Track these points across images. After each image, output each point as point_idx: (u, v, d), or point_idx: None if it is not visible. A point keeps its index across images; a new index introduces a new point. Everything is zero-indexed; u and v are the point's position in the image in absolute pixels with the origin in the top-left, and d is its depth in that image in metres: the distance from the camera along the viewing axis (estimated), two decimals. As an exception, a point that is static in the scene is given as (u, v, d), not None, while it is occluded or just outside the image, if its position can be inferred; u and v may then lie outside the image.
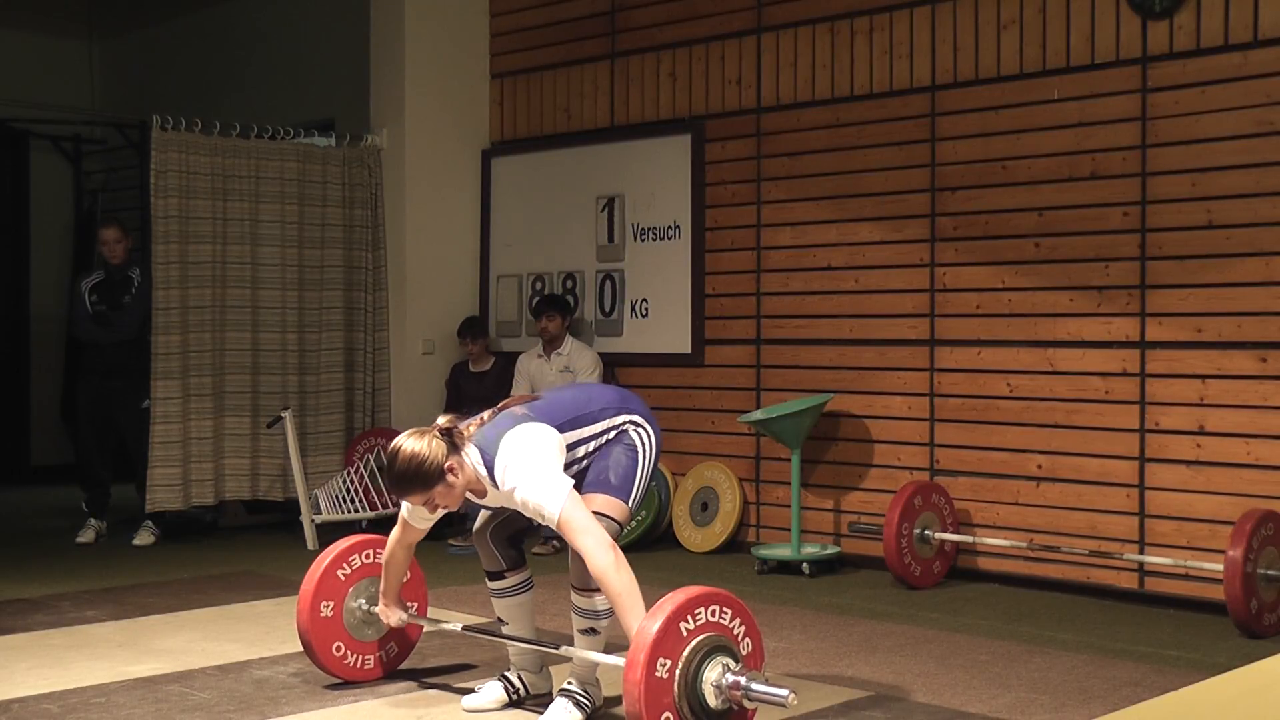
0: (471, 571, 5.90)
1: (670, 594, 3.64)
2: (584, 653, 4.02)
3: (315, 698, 4.33)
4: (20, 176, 10.61)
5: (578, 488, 3.97)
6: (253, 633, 5.24)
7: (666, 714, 3.55)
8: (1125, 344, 5.91)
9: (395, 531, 4.30)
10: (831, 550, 6.66)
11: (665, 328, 7.48)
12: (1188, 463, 5.72)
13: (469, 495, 4.00)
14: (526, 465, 3.83)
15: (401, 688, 4.46)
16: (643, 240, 7.60)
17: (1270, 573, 5.24)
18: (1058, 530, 6.08)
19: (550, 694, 4.31)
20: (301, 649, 4.95)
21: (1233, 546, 5.14)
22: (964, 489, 6.37)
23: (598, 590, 3.95)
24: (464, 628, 4.52)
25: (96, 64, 11.24)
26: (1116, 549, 5.87)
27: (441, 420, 3.96)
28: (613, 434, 4.08)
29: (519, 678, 4.31)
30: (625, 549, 4.18)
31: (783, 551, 6.65)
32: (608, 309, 7.75)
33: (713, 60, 7.33)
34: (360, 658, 4.52)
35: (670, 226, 7.48)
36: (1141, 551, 5.83)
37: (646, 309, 7.53)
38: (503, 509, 4.15)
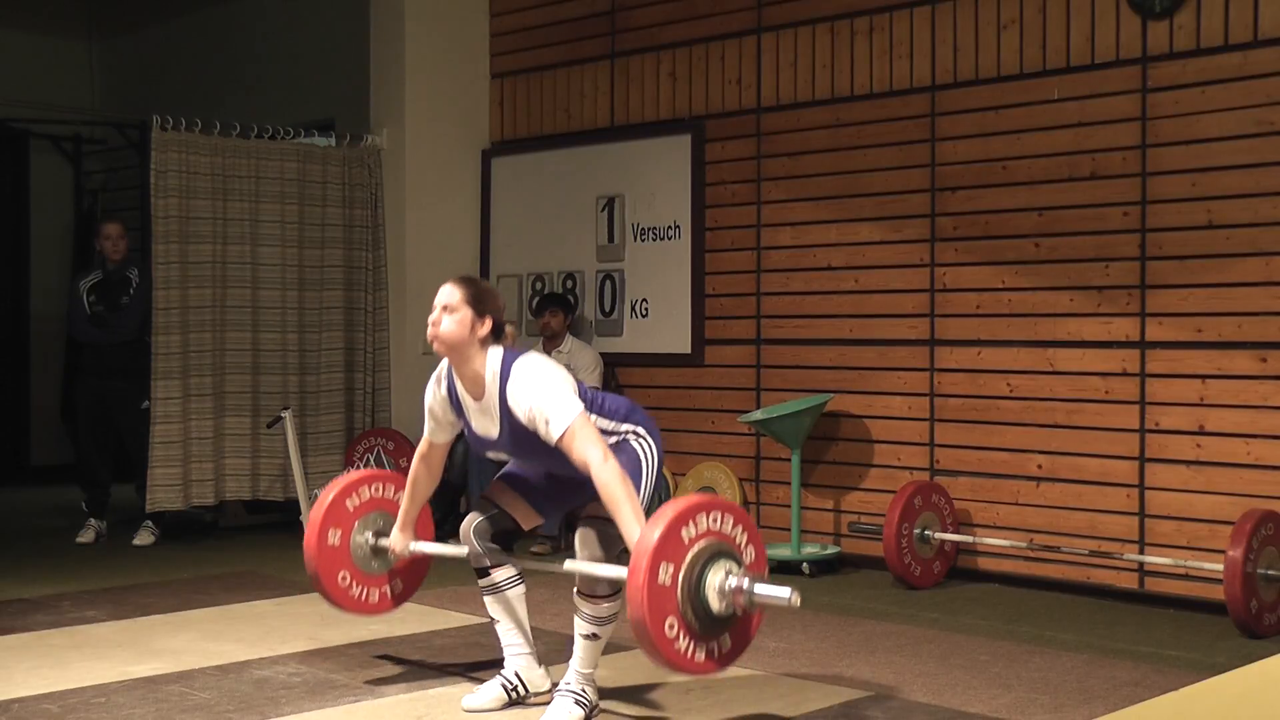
0: (472, 572, 5.89)
1: (671, 501, 3.64)
2: (586, 566, 3.95)
3: (315, 698, 4.33)
4: (20, 176, 10.61)
5: (581, 501, 3.99)
6: (253, 633, 5.24)
7: (670, 619, 3.54)
8: (1125, 344, 5.91)
9: (419, 451, 4.37)
10: (831, 550, 6.66)
11: (665, 328, 7.48)
12: (1188, 463, 5.72)
13: (464, 396, 4.04)
14: (543, 377, 3.92)
15: (401, 688, 4.46)
16: (643, 240, 7.60)
17: (1270, 573, 5.24)
18: (1058, 530, 6.09)
19: (549, 693, 4.33)
20: (303, 648, 4.97)
21: (1233, 546, 5.14)
22: (964, 489, 6.37)
23: (603, 597, 3.97)
24: (470, 559, 4.39)
25: (96, 64, 11.24)
26: (1116, 549, 5.87)
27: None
28: (616, 440, 4.08)
29: (517, 676, 4.31)
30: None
31: (783, 551, 6.65)
32: (608, 309, 7.75)
33: (713, 60, 7.33)
34: (366, 590, 4.52)
35: (670, 226, 7.48)
36: (1141, 551, 5.83)
37: (646, 309, 7.53)
38: (484, 463, 4.18)
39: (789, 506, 6.76)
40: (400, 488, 4.60)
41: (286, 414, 7.40)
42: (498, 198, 8.32)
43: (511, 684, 4.30)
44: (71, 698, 4.31)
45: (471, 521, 4.28)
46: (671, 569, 3.54)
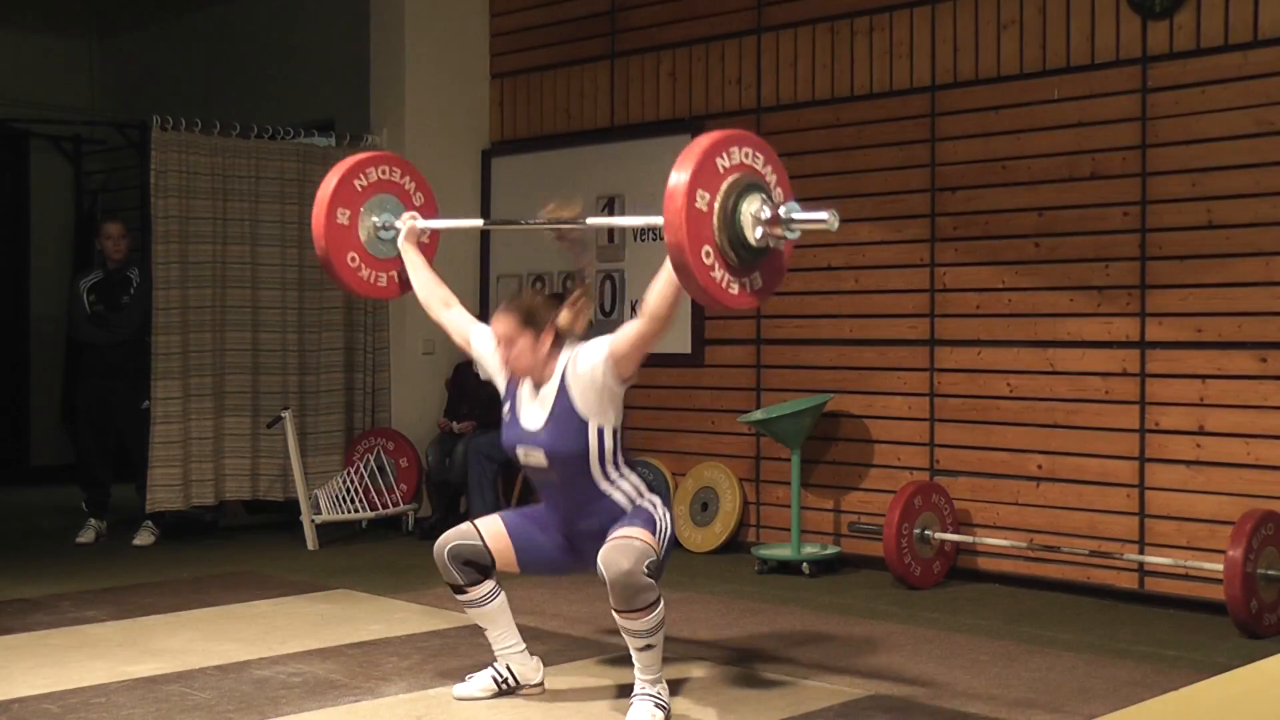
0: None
1: (701, 135, 3.68)
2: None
3: (315, 698, 4.33)
4: (20, 176, 10.60)
5: (597, 541, 4.04)
6: (253, 633, 5.24)
7: (706, 247, 3.57)
8: (1125, 344, 5.91)
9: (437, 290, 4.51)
10: (831, 550, 6.66)
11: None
12: (1188, 463, 5.72)
13: (516, 374, 4.14)
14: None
15: (401, 687, 4.46)
16: (643, 240, 7.60)
17: (1270, 573, 5.24)
18: (1058, 530, 6.08)
19: (541, 683, 4.35)
20: (303, 648, 4.96)
21: (1233, 546, 5.14)
22: (964, 489, 6.37)
23: (640, 610, 3.91)
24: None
25: (96, 64, 11.24)
26: (1116, 549, 5.87)
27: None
28: (639, 504, 4.12)
29: (509, 669, 4.34)
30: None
31: (783, 551, 6.65)
32: (608, 309, 7.75)
33: (713, 60, 7.33)
34: (374, 273, 4.56)
35: (670, 226, 7.47)
36: (1141, 551, 5.83)
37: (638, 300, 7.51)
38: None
39: (789, 506, 6.76)
40: (405, 171, 4.69)
41: (286, 414, 7.40)
42: (498, 198, 8.32)
43: (502, 676, 4.34)
44: (71, 698, 4.31)
45: (447, 542, 4.25)
46: (708, 196, 3.58)
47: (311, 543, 7.21)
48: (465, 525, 4.31)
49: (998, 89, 6.28)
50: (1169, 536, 5.76)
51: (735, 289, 3.68)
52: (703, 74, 7.37)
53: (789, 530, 6.74)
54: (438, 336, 8.05)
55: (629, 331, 4.02)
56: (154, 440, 7.21)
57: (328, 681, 4.52)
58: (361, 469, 7.65)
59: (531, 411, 4.13)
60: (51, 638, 5.14)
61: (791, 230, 3.65)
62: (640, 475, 4.21)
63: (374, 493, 7.62)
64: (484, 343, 4.34)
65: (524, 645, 4.36)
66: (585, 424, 4.04)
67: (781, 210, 3.62)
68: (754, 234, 3.62)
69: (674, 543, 4.16)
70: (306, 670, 4.66)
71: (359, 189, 4.50)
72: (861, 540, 6.62)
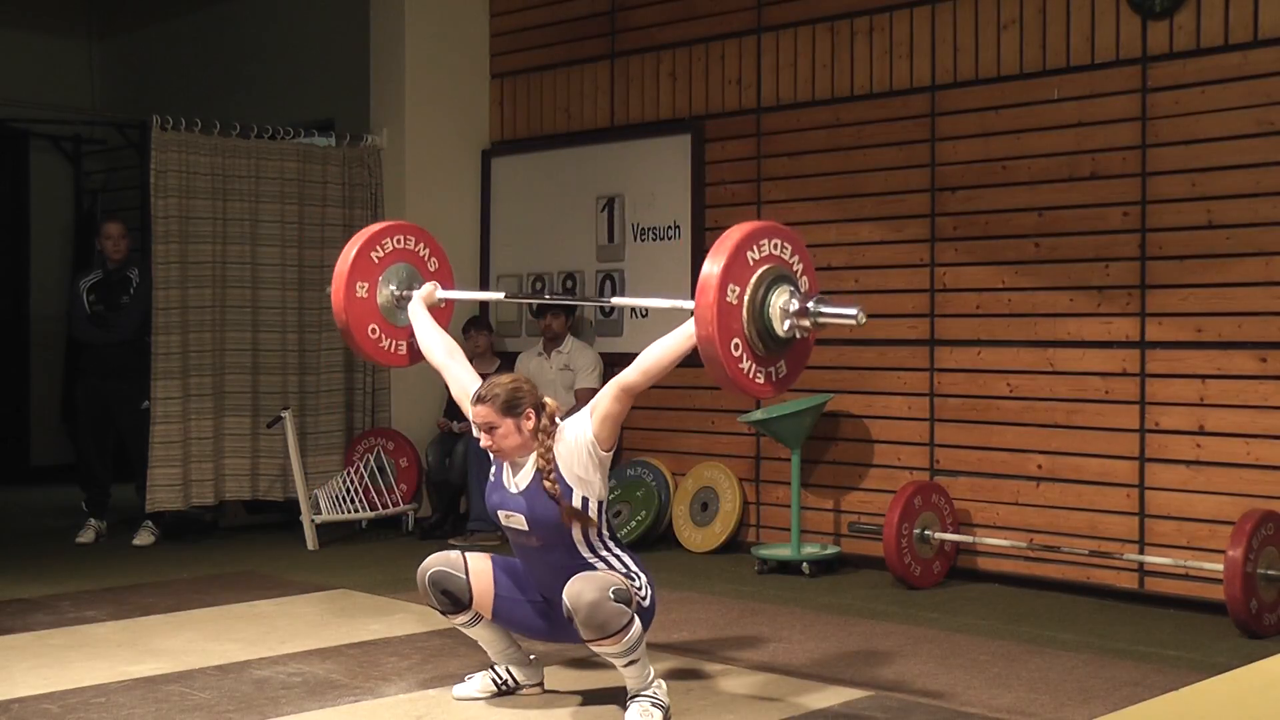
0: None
1: (732, 228, 3.75)
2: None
3: (315, 698, 4.33)
4: (20, 176, 10.60)
5: (554, 602, 4.05)
6: (253, 633, 5.24)
7: (735, 339, 3.68)
8: (1125, 344, 5.91)
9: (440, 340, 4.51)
10: (831, 550, 6.66)
11: (665, 328, 7.40)
12: (1188, 463, 5.72)
13: (502, 459, 4.13)
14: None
15: (401, 687, 4.46)
16: (643, 240, 7.60)
17: (1270, 573, 5.24)
18: (1058, 530, 6.08)
19: (540, 683, 4.37)
20: (303, 648, 4.97)
21: (1233, 546, 5.14)
22: (964, 489, 6.37)
23: (613, 635, 3.87)
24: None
25: (96, 64, 11.24)
26: (1116, 549, 5.87)
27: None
28: (629, 580, 4.06)
29: (507, 670, 4.34)
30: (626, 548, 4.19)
31: (783, 551, 6.64)
32: (608, 309, 7.75)
33: (713, 60, 7.33)
34: (394, 342, 4.62)
35: (670, 226, 7.48)
36: (1141, 551, 5.83)
37: (646, 309, 7.53)
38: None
39: (789, 506, 6.76)
40: (420, 239, 4.71)
41: (286, 414, 7.40)
42: (498, 198, 8.32)
43: (501, 677, 4.35)
44: (71, 698, 4.31)
45: (431, 566, 4.22)
46: (738, 290, 3.68)
47: (311, 543, 7.21)
48: (454, 555, 4.27)
49: (998, 89, 6.28)
50: (1169, 536, 5.76)
51: (760, 379, 3.80)
52: (703, 74, 7.37)
53: (789, 530, 6.74)
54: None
55: (609, 390, 3.99)
56: (154, 440, 7.21)
57: (328, 681, 4.53)
58: (361, 469, 7.65)
59: (511, 473, 4.12)
60: (51, 638, 5.14)
61: (818, 324, 3.74)
62: (631, 555, 4.15)
63: (374, 493, 7.62)
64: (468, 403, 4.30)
65: (520, 649, 4.35)
66: (570, 491, 4.01)
67: (810, 305, 3.71)
68: (782, 326, 3.72)
69: (651, 617, 4.09)
70: (306, 670, 4.66)
71: (376, 261, 4.54)
72: (861, 540, 6.62)
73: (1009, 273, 6.24)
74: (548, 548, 4.07)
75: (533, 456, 4.07)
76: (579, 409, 4.23)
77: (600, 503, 4.07)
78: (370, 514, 7.61)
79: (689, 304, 3.80)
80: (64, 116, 10.53)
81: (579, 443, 4.03)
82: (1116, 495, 5.91)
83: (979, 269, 6.33)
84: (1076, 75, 6.03)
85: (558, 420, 4.09)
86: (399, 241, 4.62)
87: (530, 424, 4.05)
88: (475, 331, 7.73)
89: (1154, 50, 5.82)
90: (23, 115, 10.30)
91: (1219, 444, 5.63)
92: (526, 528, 4.07)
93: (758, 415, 6.62)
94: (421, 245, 4.76)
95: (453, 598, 4.22)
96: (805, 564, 6.51)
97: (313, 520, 7.26)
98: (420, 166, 8.12)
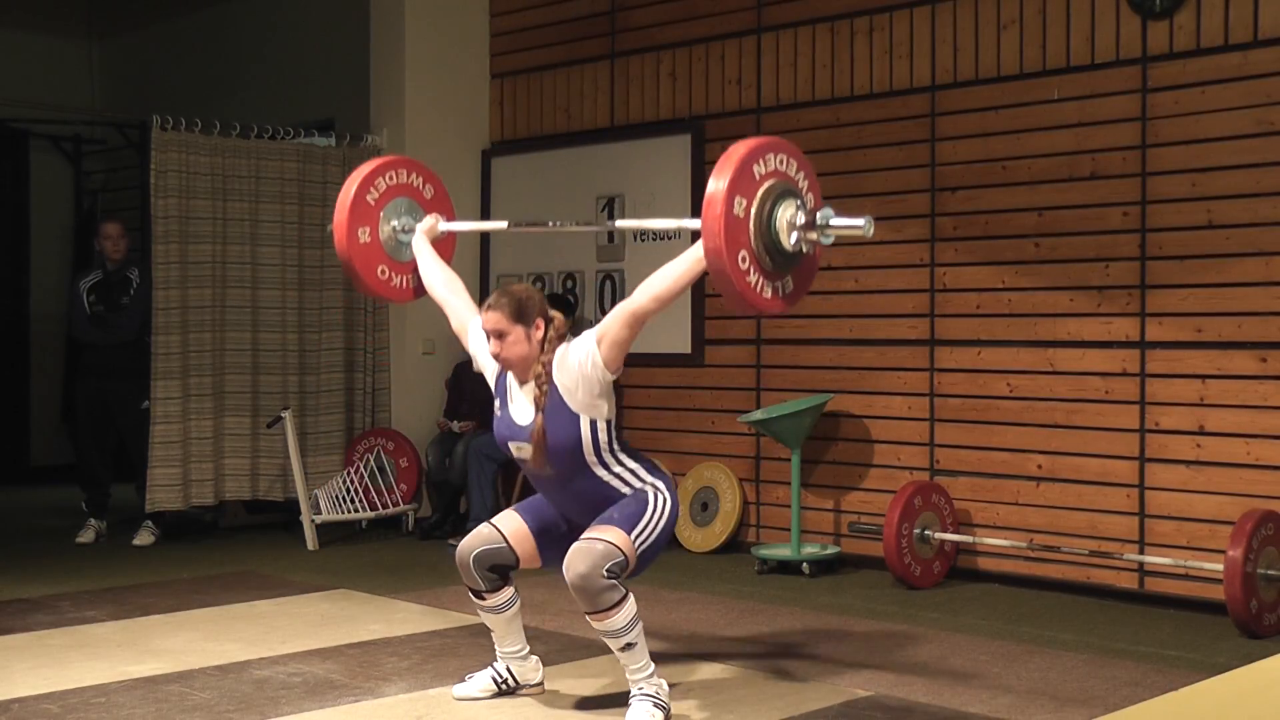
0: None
1: (737, 143, 3.73)
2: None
3: (315, 697, 4.33)
4: (20, 176, 10.60)
5: (579, 526, 4.02)
6: (253, 633, 5.24)
7: (743, 252, 3.66)
8: (1125, 344, 5.91)
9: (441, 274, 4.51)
10: (831, 550, 6.66)
11: (665, 328, 7.47)
12: (1188, 463, 5.72)
13: (508, 368, 4.12)
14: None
15: (401, 687, 4.46)
16: (643, 240, 7.60)
17: (1270, 573, 5.24)
18: (1058, 530, 6.08)
19: (541, 683, 4.36)
20: (303, 648, 4.97)
21: (1233, 546, 5.14)
22: (964, 489, 6.37)
23: (606, 610, 3.90)
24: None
25: (96, 64, 11.24)
26: (1116, 549, 5.87)
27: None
28: (637, 488, 4.08)
29: (509, 670, 4.34)
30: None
31: (783, 551, 6.65)
32: (608, 309, 7.74)
33: (713, 60, 7.33)
34: (403, 278, 4.62)
35: (670, 226, 7.48)
36: (1141, 551, 5.83)
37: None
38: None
39: (789, 506, 6.76)
40: (412, 169, 4.70)
41: (286, 414, 7.40)
42: (498, 198, 8.32)
43: (502, 676, 4.34)
44: (71, 698, 4.31)
45: (473, 548, 4.21)
46: (745, 203, 3.66)
47: (311, 543, 7.21)
48: (486, 529, 4.25)
49: (998, 89, 6.28)
50: (1169, 536, 5.76)
51: (769, 293, 3.78)
52: (703, 74, 7.37)
53: (789, 530, 6.74)
54: (438, 336, 8.09)
55: (618, 315, 3.98)
56: (154, 440, 7.21)
57: (328, 681, 4.53)
58: (361, 469, 7.64)
59: (521, 406, 4.12)
60: (51, 638, 5.14)
61: (826, 235, 3.74)
62: (643, 462, 4.16)
63: (374, 493, 7.61)
64: (480, 339, 4.34)
65: (527, 648, 4.35)
66: (576, 418, 4.02)
67: (818, 216, 3.71)
68: (789, 239, 3.72)
69: (671, 526, 4.09)
70: (306, 670, 4.66)
71: (372, 203, 4.53)
72: (861, 540, 6.62)
73: (1009, 273, 6.24)
74: (561, 473, 4.08)
75: (535, 384, 4.07)
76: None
77: (609, 421, 4.08)
78: (370, 514, 7.61)
79: (695, 223, 3.77)
80: (64, 116, 10.54)
81: (586, 367, 4.01)
82: (1116, 495, 5.91)
83: (979, 269, 6.34)
84: (1076, 75, 6.03)
85: (566, 335, 4.12)
86: (391, 178, 4.59)
87: (539, 334, 4.08)
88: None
89: (1154, 50, 5.82)
90: (23, 115, 10.30)
91: (1219, 444, 5.63)
92: (538, 469, 4.11)
93: (758, 415, 6.62)
94: (415, 176, 4.73)
95: (500, 570, 4.22)
96: (805, 564, 6.51)
97: (313, 520, 7.26)
98: (420, 167, 8.11)
